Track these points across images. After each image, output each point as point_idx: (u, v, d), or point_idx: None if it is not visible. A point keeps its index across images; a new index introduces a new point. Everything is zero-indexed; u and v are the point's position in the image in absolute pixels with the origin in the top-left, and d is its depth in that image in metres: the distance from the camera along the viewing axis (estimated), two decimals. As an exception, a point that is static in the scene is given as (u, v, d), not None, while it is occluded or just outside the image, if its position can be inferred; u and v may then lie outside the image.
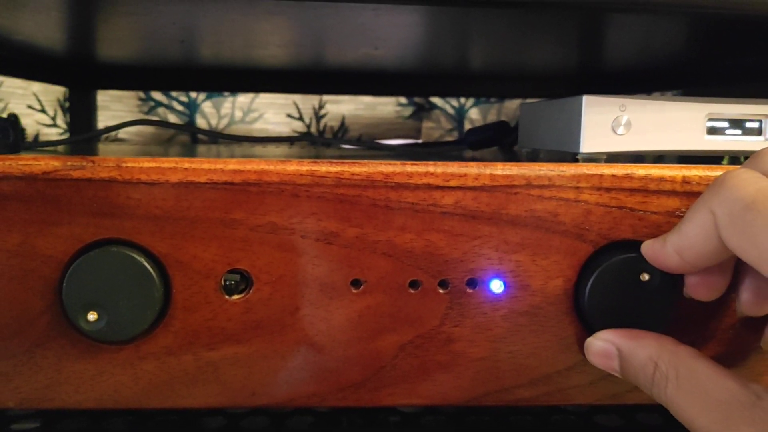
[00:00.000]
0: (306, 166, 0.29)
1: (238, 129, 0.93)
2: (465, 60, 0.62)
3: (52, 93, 0.90)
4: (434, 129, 0.97)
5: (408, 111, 0.95)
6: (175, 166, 0.28)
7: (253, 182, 0.28)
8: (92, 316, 0.28)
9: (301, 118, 0.94)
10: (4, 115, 0.83)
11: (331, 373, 0.30)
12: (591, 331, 0.30)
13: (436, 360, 0.30)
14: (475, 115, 0.97)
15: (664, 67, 0.59)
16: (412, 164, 0.29)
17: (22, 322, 0.29)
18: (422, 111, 0.96)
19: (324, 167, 0.29)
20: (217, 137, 0.66)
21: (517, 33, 0.42)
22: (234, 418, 0.34)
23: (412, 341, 0.30)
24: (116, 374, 0.30)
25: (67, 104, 0.90)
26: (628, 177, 0.29)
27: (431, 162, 0.29)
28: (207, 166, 0.28)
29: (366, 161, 0.29)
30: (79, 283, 0.28)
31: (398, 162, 0.29)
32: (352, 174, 0.29)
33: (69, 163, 0.28)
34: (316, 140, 0.54)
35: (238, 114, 0.93)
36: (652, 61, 0.54)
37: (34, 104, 0.90)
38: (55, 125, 0.91)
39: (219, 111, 0.93)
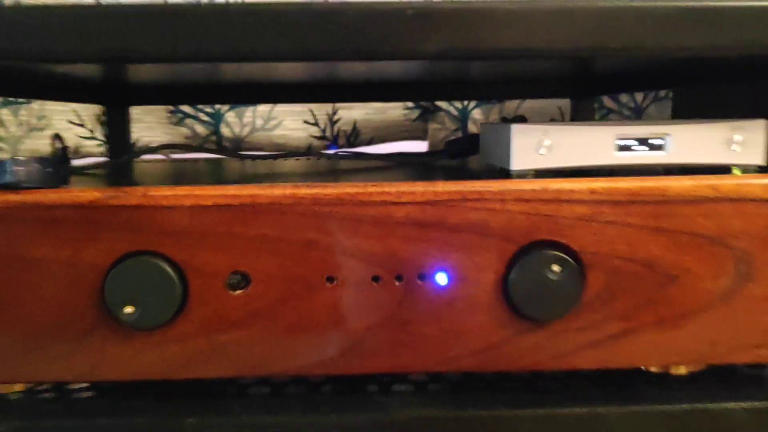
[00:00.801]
0: (289, 190, 0.37)
1: (260, 136, 1.01)
2: (466, 72, 0.68)
3: (90, 109, 0.99)
4: (440, 130, 1.04)
5: (415, 114, 1.02)
6: (188, 193, 0.37)
7: (248, 204, 0.37)
8: (128, 309, 0.37)
9: (316, 124, 1.02)
10: (49, 133, 0.92)
11: (315, 349, 0.38)
12: (518, 313, 0.38)
13: (397, 338, 0.38)
14: (477, 115, 1.03)
15: (655, 72, 0.65)
16: (372, 185, 0.37)
17: (74, 315, 0.38)
18: (428, 114, 1.03)
19: (303, 190, 0.37)
20: (241, 157, 0.74)
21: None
22: (242, 387, 0.42)
23: (377, 323, 0.38)
24: (148, 354, 0.38)
25: (103, 118, 0.99)
26: (544, 190, 0.37)
27: (387, 183, 0.37)
28: (212, 192, 0.37)
29: (336, 184, 0.37)
30: (117, 284, 0.37)
31: (361, 184, 0.37)
32: (325, 195, 0.37)
33: (107, 194, 0.36)
34: (315, 154, 0.62)
35: (259, 122, 1.01)
36: (641, 68, 0.60)
37: (74, 119, 0.99)
38: (93, 138, 1.00)
39: (241, 120, 1.01)
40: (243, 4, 0.36)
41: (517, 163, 0.39)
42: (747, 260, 0.38)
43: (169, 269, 0.37)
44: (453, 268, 0.38)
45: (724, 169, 0.40)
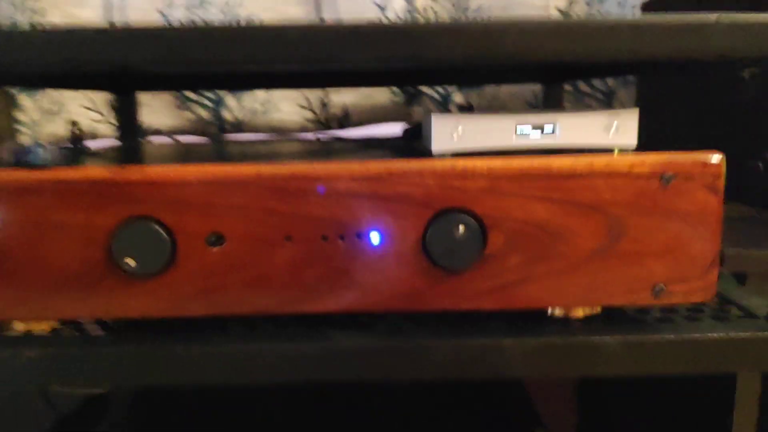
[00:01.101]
0: (254, 168, 0.47)
1: (258, 119, 1.11)
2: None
3: (103, 95, 1.10)
4: (423, 113, 1.13)
5: (400, 98, 1.12)
6: (175, 171, 0.47)
7: (221, 179, 0.47)
8: (130, 262, 0.47)
9: (310, 108, 1.11)
10: (65, 117, 1.03)
11: (276, 292, 0.49)
12: (435, 264, 0.48)
13: (341, 284, 0.49)
14: (459, 99, 1.13)
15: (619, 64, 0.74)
16: (320, 164, 0.48)
17: (88, 267, 0.48)
18: (413, 98, 1.12)
19: (264, 169, 0.47)
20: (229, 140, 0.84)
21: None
22: (222, 324, 0.53)
23: (325, 273, 0.49)
24: (146, 298, 0.49)
25: (115, 104, 1.09)
26: (453, 168, 0.47)
27: (330, 162, 0.48)
28: (194, 170, 0.47)
29: (294, 164, 0.48)
30: (122, 242, 0.47)
31: (310, 163, 0.48)
32: (281, 172, 0.47)
33: (112, 171, 0.47)
34: (290, 138, 0.73)
35: (258, 106, 1.11)
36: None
37: (88, 105, 1.10)
38: (106, 122, 1.11)
39: (241, 104, 1.11)
40: (225, 26, 0.46)
41: (437, 146, 0.50)
42: (618, 223, 0.48)
43: (161, 230, 0.48)
44: (383, 229, 0.48)
45: (605, 150, 0.50)
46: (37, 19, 1.13)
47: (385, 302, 0.49)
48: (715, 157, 0.47)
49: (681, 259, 0.48)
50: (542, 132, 0.50)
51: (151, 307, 0.49)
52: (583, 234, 0.48)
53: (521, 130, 0.50)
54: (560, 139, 0.50)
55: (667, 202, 0.48)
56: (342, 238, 0.48)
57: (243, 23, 0.47)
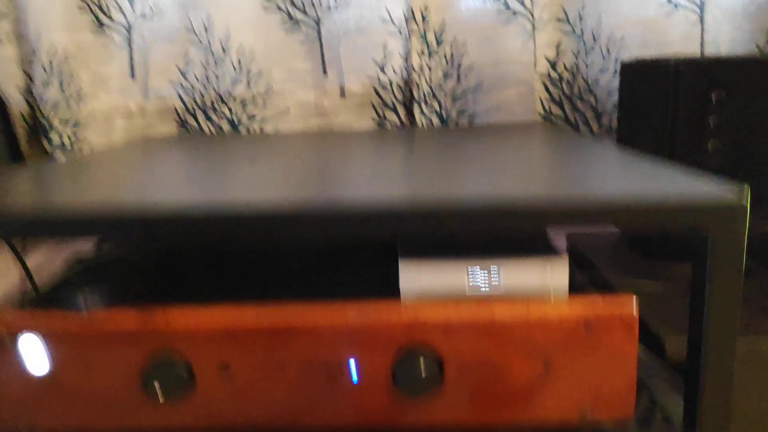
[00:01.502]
0: (254, 315, 0.59)
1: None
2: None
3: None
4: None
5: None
6: (191, 323, 0.59)
7: (229, 327, 0.59)
8: (158, 388, 0.60)
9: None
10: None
11: (274, 411, 0.61)
12: (402, 390, 0.59)
13: (327, 405, 0.60)
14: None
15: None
16: (308, 311, 0.59)
17: (128, 392, 0.60)
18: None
19: (263, 317, 0.59)
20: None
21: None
22: None
23: (315, 396, 0.60)
24: (172, 417, 0.61)
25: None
26: (415, 316, 0.59)
27: (316, 311, 0.59)
28: (206, 317, 0.59)
29: (286, 309, 0.59)
30: (151, 373, 0.59)
31: (299, 313, 0.59)
32: (278, 323, 0.59)
33: (141, 320, 0.59)
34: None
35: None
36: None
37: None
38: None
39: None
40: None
41: (404, 289, 0.61)
42: (550, 359, 0.59)
43: (182, 364, 0.59)
44: (360, 363, 0.59)
45: (541, 292, 0.61)
46: (70, 78, 1.26)
47: (363, 420, 0.61)
48: (631, 304, 0.58)
49: (603, 388, 0.59)
50: (489, 273, 0.61)
51: (176, 424, 0.61)
52: (521, 367, 0.59)
53: (472, 276, 0.61)
54: (503, 288, 0.61)
55: (591, 342, 0.59)
56: (329, 369, 0.60)
57: (251, 209, 0.57)
